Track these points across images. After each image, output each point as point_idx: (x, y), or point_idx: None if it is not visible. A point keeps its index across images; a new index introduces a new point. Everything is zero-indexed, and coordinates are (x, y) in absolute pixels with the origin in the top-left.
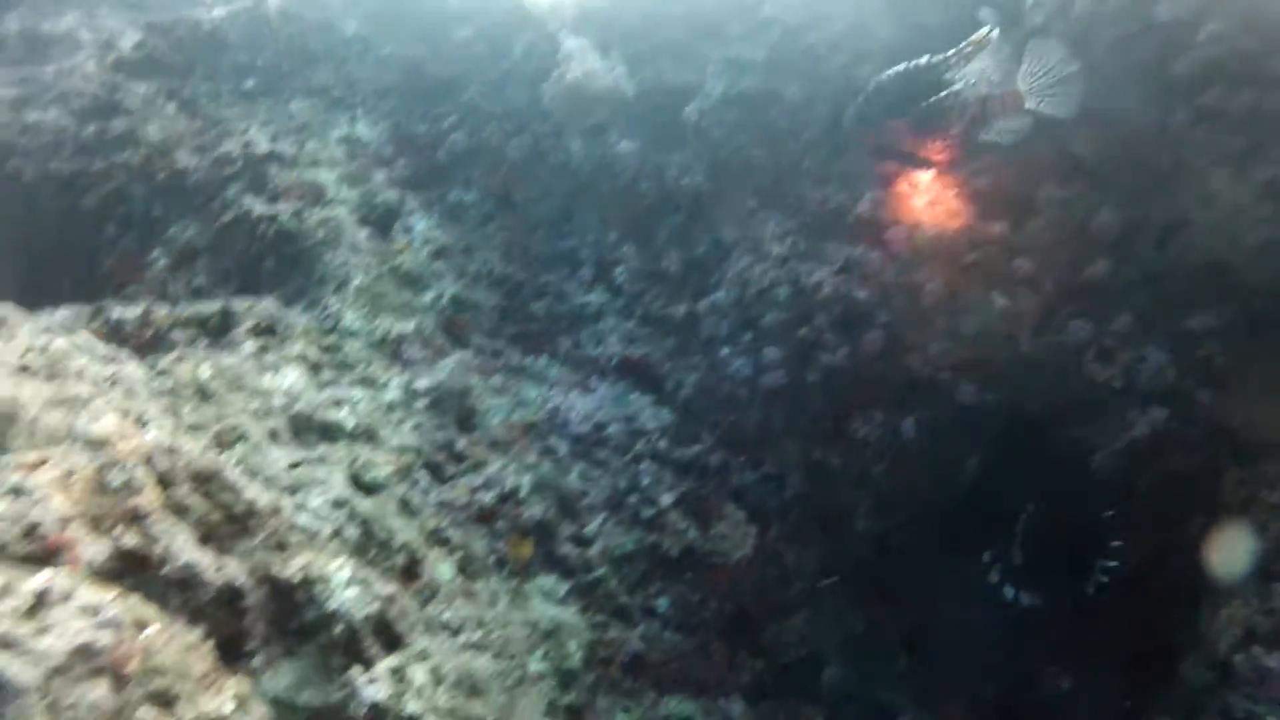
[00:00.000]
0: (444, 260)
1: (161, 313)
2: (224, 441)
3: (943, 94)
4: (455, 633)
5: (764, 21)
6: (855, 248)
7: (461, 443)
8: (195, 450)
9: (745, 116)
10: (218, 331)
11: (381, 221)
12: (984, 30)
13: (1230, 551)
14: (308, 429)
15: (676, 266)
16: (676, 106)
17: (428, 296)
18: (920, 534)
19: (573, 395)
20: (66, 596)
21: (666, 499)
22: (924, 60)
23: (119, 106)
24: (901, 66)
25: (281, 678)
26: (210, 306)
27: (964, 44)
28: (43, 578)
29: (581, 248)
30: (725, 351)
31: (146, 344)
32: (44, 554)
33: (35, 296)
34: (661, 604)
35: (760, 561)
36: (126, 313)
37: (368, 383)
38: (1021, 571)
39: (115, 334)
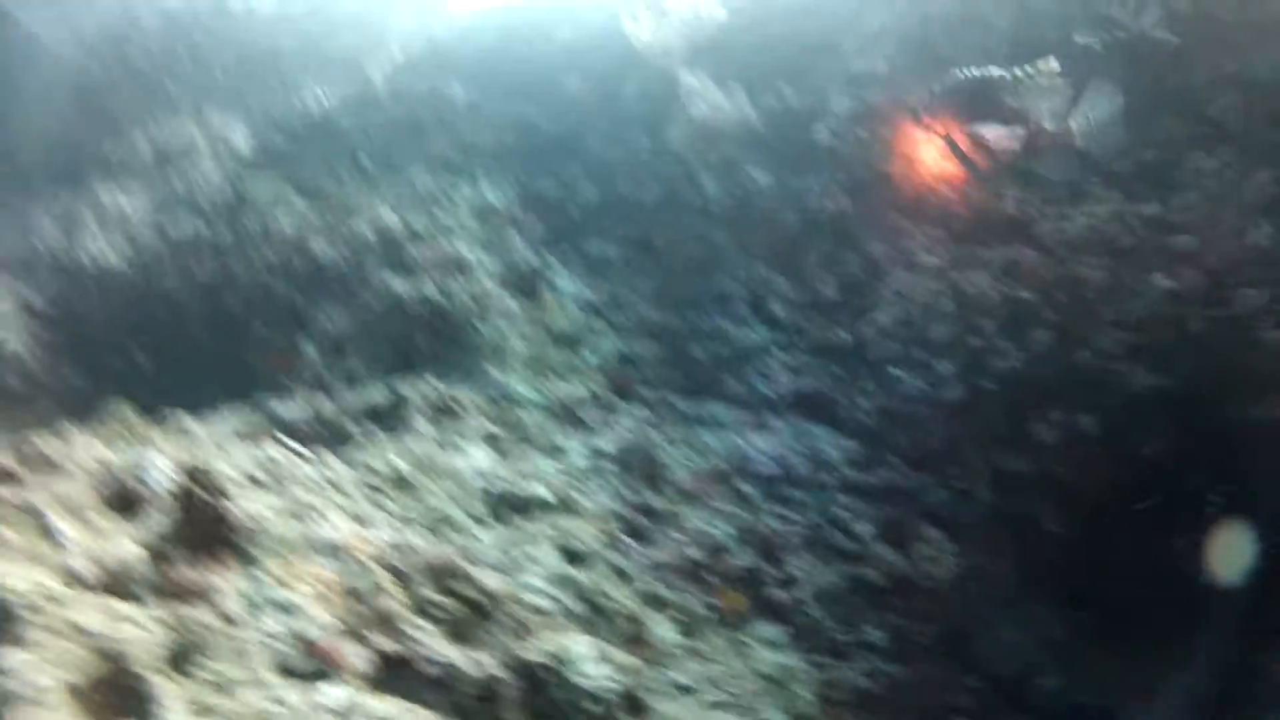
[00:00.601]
0: (597, 316)
1: (328, 405)
2: (436, 529)
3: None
4: (692, 693)
5: (876, 33)
6: (1011, 248)
7: (655, 500)
8: (424, 545)
9: (874, 132)
10: (391, 417)
11: (526, 284)
12: (1048, 61)
13: None
14: (506, 505)
15: (832, 291)
16: (804, 129)
17: (588, 355)
18: (1110, 529)
19: (752, 436)
20: (362, 709)
21: (864, 529)
22: (995, 73)
23: (247, 205)
24: (976, 72)
25: None
26: (379, 393)
27: (1029, 69)
28: (339, 694)
29: (733, 286)
30: (897, 371)
31: (317, 435)
32: (320, 665)
33: (195, 400)
34: (876, 635)
35: (962, 578)
36: (293, 409)
37: (552, 451)
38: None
39: (284, 429)
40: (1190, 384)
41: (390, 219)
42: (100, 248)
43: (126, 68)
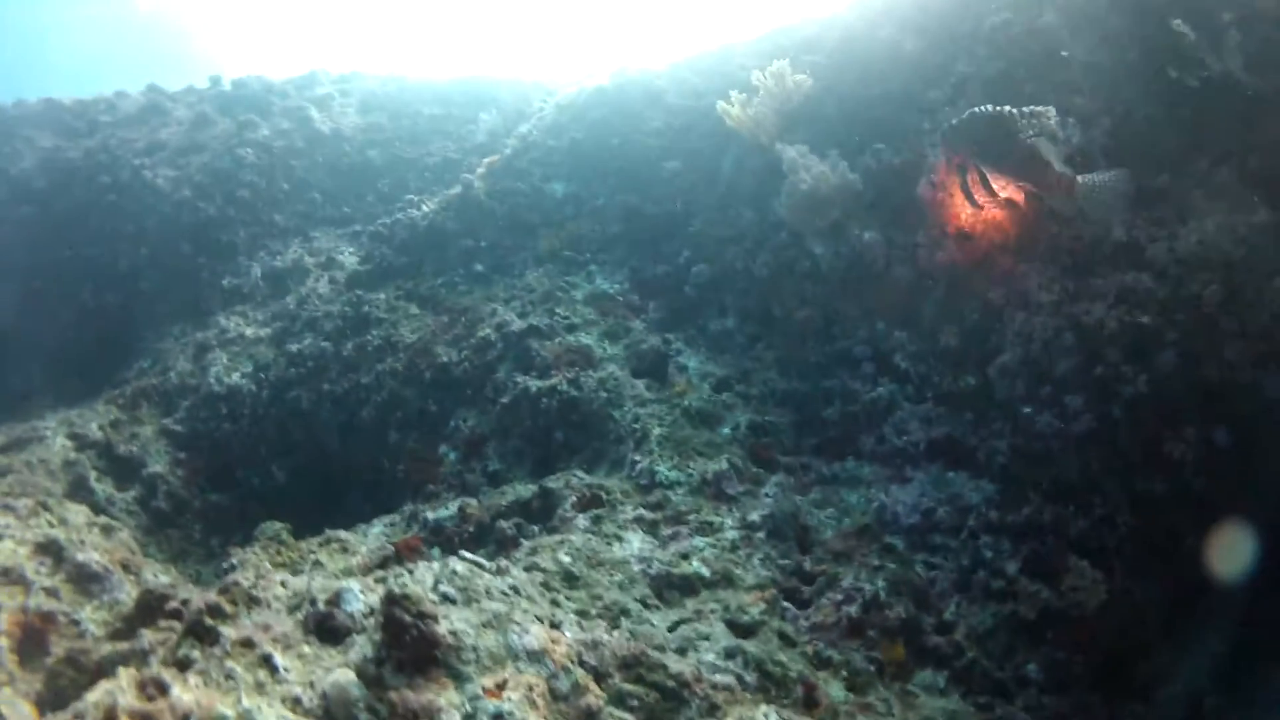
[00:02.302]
0: (727, 391)
1: (476, 507)
2: (614, 620)
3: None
4: None
5: (959, 81)
6: (1124, 275)
7: (807, 563)
8: (610, 638)
9: (970, 179)
10: (542, 513)
11: (654, 368)
12: (1048, 108)
13: None
14: (669, 587)
15: (953, 340)
16: (906, 185)
17: (725, 430)
18: (1259, 540)
19: (893, 489)
20: None
21: (1011, 567)
22: (1010, 109)
23: (367, 319)
24: (991, 109)
25: None
26: (527, 490)
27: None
28: None
29: (854, 345)
30: (1027, 410)
31: (471, 539)
32: None
33: (336, 512)
34: (1032, 670)
35: (1113, 605)
36: (440, 513)
37: (705, 528)
38: None
39: (436, 536)
40: None
41: (511, 319)
42: (229, 371)
43: (233, 201)
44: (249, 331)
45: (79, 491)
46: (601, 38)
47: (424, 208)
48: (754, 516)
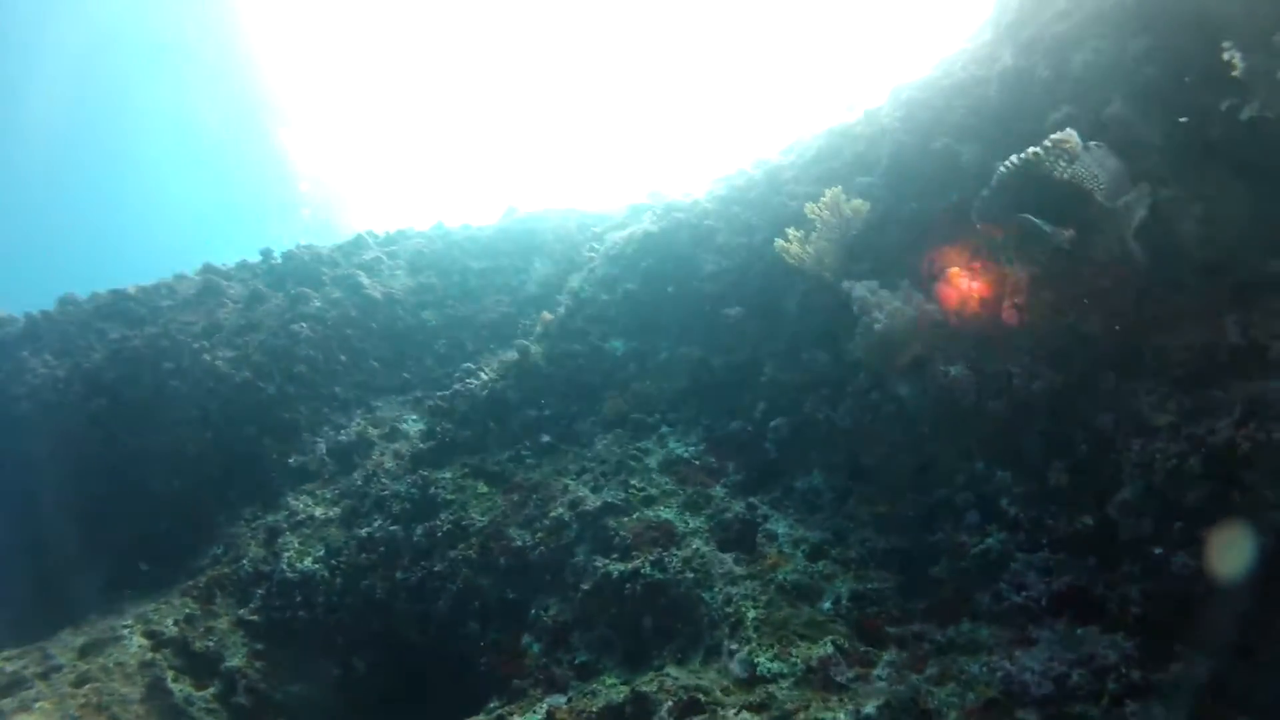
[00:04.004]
0: (823, 559)
1: (564, 709)
2: None
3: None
4: None
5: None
6: (1249, 383)
7: None
8: None
9: (1066, 295)
10: (638, 718)
11: (741, 538)
12: (1067, 132)
13: None
14: None
15: (1063, 476)
16: (990, 312)
17: (826, 603)
18: None
19: (1017, 654)
20: None
21: None
22: (1030, 153)
23: (435, 501)
24: (1016, 160)
25: None
26: (619, 693)
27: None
28: None
29: (955, 492)
30: (1159, 550)
31: None
32: None
33: (420, 706)
34: None
35: None
36: (527, 718)
37: None
38: None
39: None
40: None
41: (585, 495)
42: (300, 558)
43: (292, 378)
44: (318, 512)
45: (156, 694)
46: (636, 153)
47: (482, 375)
48: (869, 709)
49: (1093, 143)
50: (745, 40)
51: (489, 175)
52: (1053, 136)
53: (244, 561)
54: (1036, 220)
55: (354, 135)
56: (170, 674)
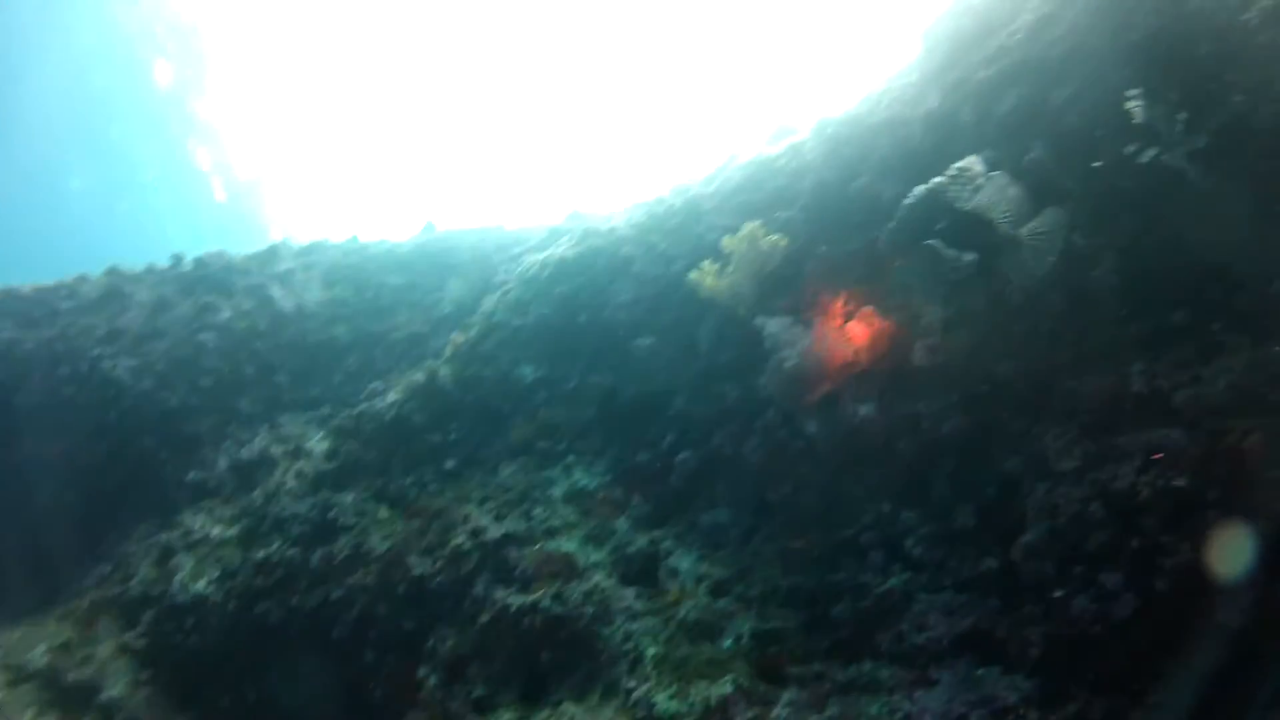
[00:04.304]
0: (725, 596)
1: None
2: None
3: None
4: None
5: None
6: (1151, 432)
7: None
8: None
9: (977, 337)
10: None
11: (644, 573)
12: (970, 160)
13: None
14: None
15: (969, 518)
16: (902, 349)
17: (727, 641)
18: None
19: (918, 695)
20: None
21: None
22: (934, 182)
23: (335, 524)
24: (921, 190)
25: None
26: None
27: (953, 170)
28: None
29: (861, 531)
30: (1060, 593)
31: None
32: None
33: None
34: None
35: None
36: None
37: None
38: None
39: None
40: None
41: (487, 524)
42: (194, 579)
43: (196, 388)
44: (216, 531)
45: None
46: (556, 173)
47: (390, 396)
48: None
49: (995, 172)
50: (676, 59)
51: (410, 188)
52: (956, 165)
53: (133, 582)
54: (940, 246)
55: (277, 137)
56: (29, 713)
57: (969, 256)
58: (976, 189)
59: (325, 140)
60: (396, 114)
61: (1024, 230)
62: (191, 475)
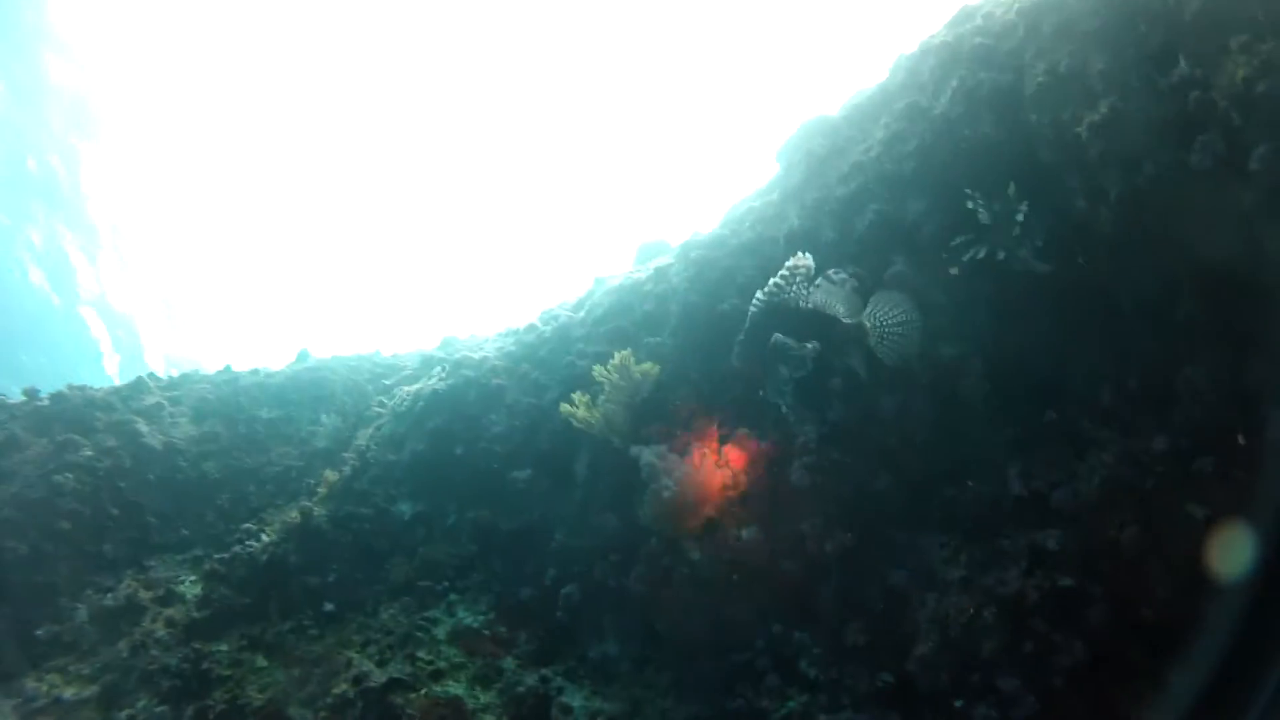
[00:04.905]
0: None
1: None
2: None
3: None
4: None
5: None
6: (1032, 533)
7: None
8: None
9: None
10: None
11: (536, 713)
12: (800, 255)
13: None
14: None
15: (860, 635)
16: (779, 472)
17: None
18: None
19: None
20: None
21: None
22: (771, 284)
23: (209, 676)
24: (761, 295)
25: None
26: None
27: (785, 270)
28: None
29: (754, 656)
30: (959, 704)
31: None
32: None
33: None
34: None
35: None
36: None
37: None
38: None
39: None
40: None
41: (369, 669)
42: None
43: (51, 534)
44: (69, 693)
45: None
46: (432, 293)
47: (264, 537)
48: None
49: (831, 270)
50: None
51: (287, 309)
52: (788, 263)
53: None
54: (782, 338)
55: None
56: None
57: (810, 345)
58: (812, 284)
59: (203, 266)
60: (271, 235)
61: (863, 318)
62: (41, 631)
